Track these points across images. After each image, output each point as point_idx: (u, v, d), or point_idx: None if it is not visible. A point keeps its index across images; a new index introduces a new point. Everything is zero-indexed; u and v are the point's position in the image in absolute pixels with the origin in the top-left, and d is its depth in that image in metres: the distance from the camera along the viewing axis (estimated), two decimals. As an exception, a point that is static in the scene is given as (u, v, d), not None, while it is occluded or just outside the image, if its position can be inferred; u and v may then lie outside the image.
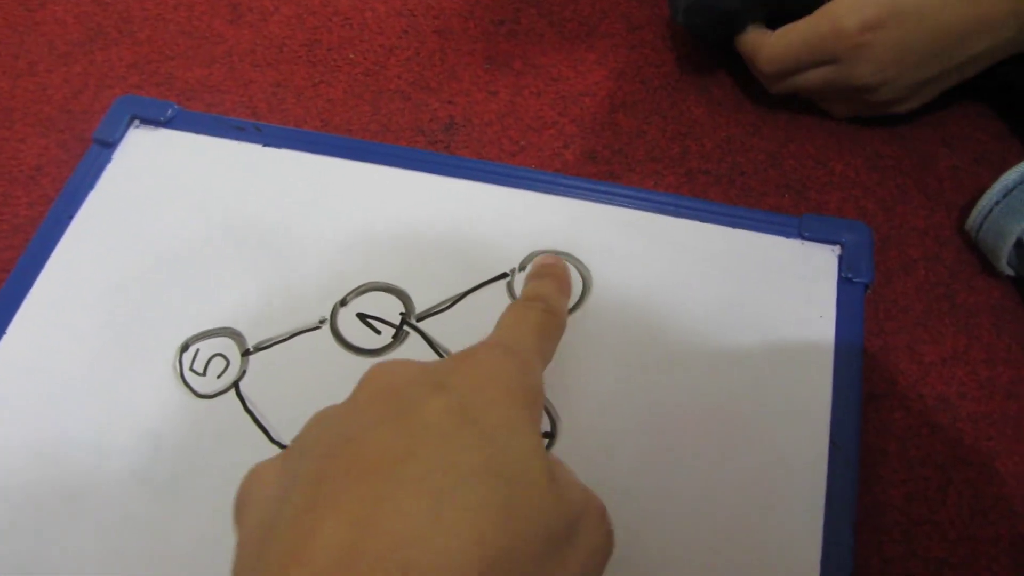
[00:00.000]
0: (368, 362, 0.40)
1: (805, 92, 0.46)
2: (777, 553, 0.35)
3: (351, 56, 0.52)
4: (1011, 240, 0.40)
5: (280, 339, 0.41)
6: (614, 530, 0.28)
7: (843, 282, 0.41)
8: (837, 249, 0.42)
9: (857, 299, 0.40)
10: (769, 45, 0.45)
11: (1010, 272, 0.42)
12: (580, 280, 0.42)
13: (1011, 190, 0.40)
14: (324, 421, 0.27)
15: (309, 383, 0.40)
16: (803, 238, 0.42)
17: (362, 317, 0.41)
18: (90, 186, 0.46)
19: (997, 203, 0.41)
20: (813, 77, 0.45)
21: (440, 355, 0.40)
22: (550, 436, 0.38)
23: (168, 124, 0.48)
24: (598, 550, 0.27)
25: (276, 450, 0.38)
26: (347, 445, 0.24)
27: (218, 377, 0.40)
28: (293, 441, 0.27)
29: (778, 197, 0.45)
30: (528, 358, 0.29)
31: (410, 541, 0.21)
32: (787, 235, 0.43)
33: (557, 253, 0.42)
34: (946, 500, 0.37)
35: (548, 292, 0.35)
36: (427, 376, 0.27)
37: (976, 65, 0.43)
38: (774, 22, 0.46)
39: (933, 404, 0.39)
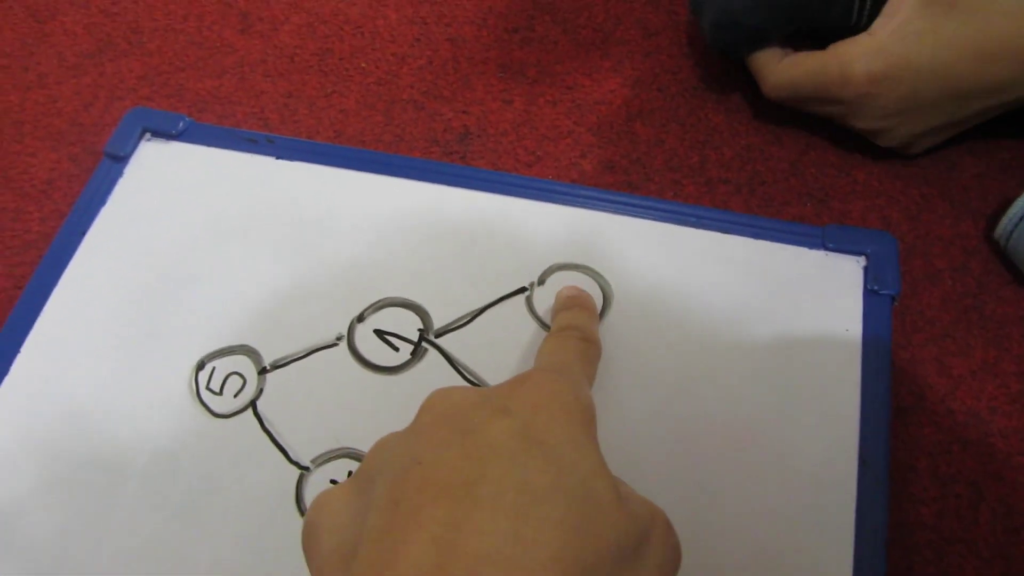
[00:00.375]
0: (386, 379, 0.39)
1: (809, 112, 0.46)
2: (808, 572, 0.35)
3: (363, 65, 0.51)
4: None
5: (297, 356, 0.40)
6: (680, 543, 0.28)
7: (869, 294, 0.40)
8: (862, 260, 0.41)
9: (884, 312, 0.40)
10: (775, 73, 0.44)
11: None
12: (601, 293, 0.41)
13: None
14: (389, 446, 0.28)
15: (327, 401, 0.39)
16: (827, 249, 0.42)
17: (379, 333, 0.41)
18: (102, 201, 0.45)
19: None
20: (816, 108, 0.45)
21: (459, 372, 0.39)
22: (573, 455, 0.37)
23: (180, 137, 0.47)
24: (667, 562, 0.27)
25: (294, 471, 0.38)
26: (417, 467, 0.25)
27: (235, 396, 0.39)
28: (359, 468, 0.28)
29: (800, 206, 0.44)
30: (577, 379, 0.31)
31: (493, 559, 0.22)
32: (811, 246, 0.42)
33: (576, 266, 0.42)
34: (978, 518, 0.36)
35: (580, 321, 0.36)
36: (487, 400, 0.27)
37: (986, 116, 0.42)
38: (801, 41, 0.45)
39: (963, 419, 0.38)
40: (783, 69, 0.44)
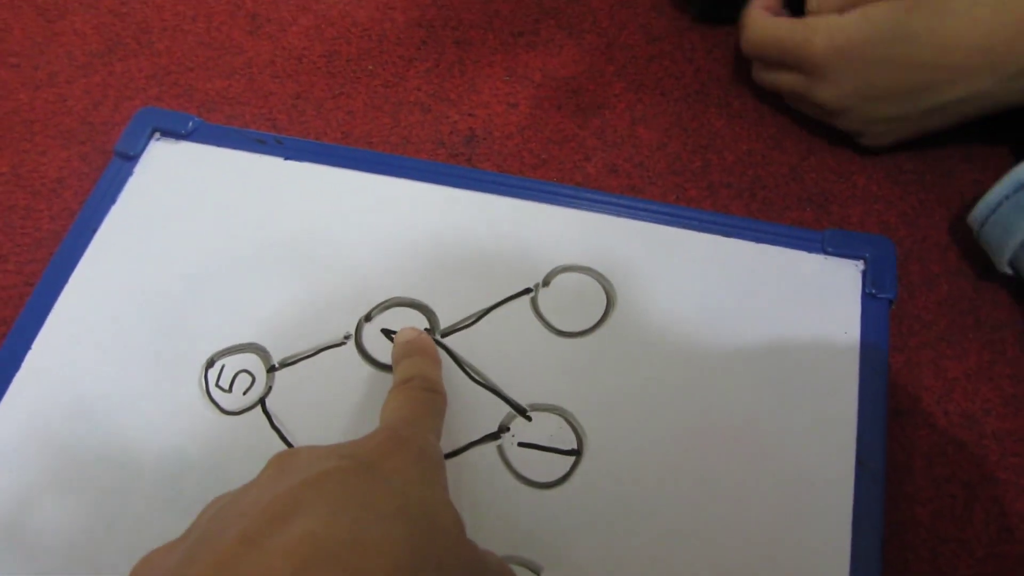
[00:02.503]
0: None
1: (779, 92, 0.47)
2: (806, 571, 0.35)
3: (370, 67, 0.52)
4: (1019, 238, 0.39)
5: (306, 355, 0.41)
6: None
7: (867, 298, 0.41)
8: (861, 264, 0.42)
9: (882, 315, 0.40)
10: (751, 27, 0.45)
11: (1010, 272, 0.41)
12: (604, 295, 0.42)
13: (1023, 186, 0.39)
14: (217, 503, 0.27)
15: (335, 399, 0.40)
16: (826, 253, 0.42)
17: (387, 333, 0.41)
18: (112, 199, 0.46)
19: (1008, 197, 0.40)
20: (783, 79, 0.45)
21: (465, 371, 0.40)
22: (577, 453, 0.38)
23: (189, 137, 0.48)
24: None
25: (303, 467, 0.38)
26: (233, 505, 0.25)
27: (244, 393, 0.40)
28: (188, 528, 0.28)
29: (800, 211, 0.45)
30: (423, 434, 0.31)
31: (320, 561, 0.21)
32: (810, 250, 0.43)
33: (579, 268, 0.42)
34: (972, 518, 0.37)
35: (423, 370, 0.36)
36: (332, 451, 0.27)
37: (955, 113, 0.42)
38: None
39: (958, 421, 0.39)
40: (758, 25, 0.45)
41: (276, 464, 0.28)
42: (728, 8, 0.49)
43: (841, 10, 0.42)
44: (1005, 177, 0.40)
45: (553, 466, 0.38)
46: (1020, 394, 0.40)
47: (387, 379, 0.40)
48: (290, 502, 0.23)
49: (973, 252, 0.44)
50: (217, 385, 0.40)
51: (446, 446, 0.38)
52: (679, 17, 0.52)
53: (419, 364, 0.37)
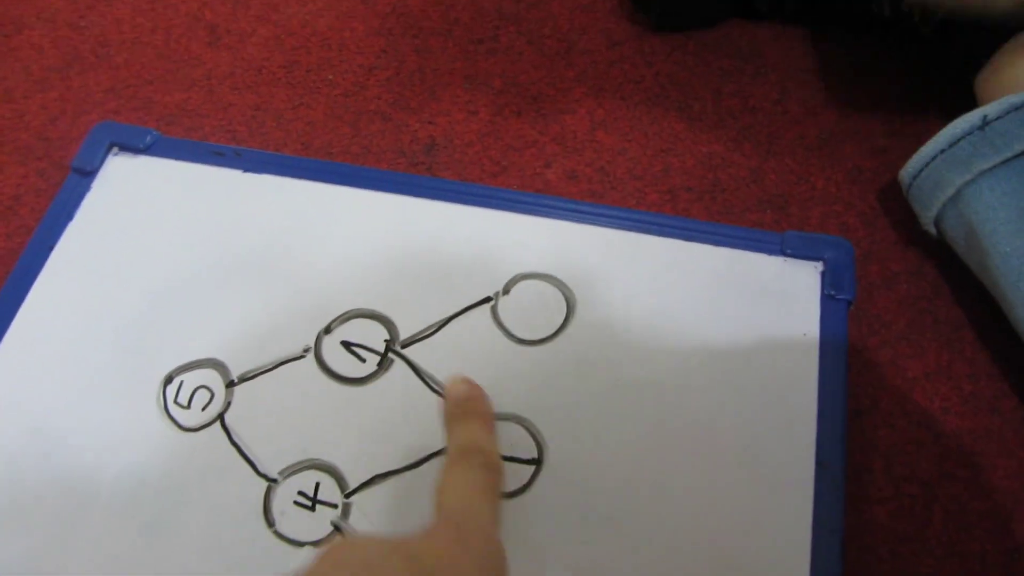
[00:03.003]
0: (353, 390, 0.40)
1: None
2: (766, 573, 0.35)
3: (330, 77, 0.51)
4: (949, 192, 0.39)
5: (264, 369, 0.41)
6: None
7: (826, 299, 0.41)
8: (820, 266, 0.42)
9: (840, 316, 0.40)
10: None
11: (933, 232, 0.41)
12: (564, 302, 0.42)
13: (958, 140, 0.38)
14: None
15: (295, 413, 0.40)
16: (785, 255, 0.42)
17: (346, 345, 0.41)
18: (69, 216, 0.45)
19: (942, 151, 0.39)
20: None
21: (425, 382, 0.40)
22: (537, 462, 0.38)
23: (147, 151, 0.47)
24: None
25: (263, 483, 0.38)
26: None
27: (203, 409, 0.40)
28: None
29: (760, 213, 0.45)
30: (487, 529, 0.30)
31: None
32: (770, 252, 0.43)
33: (540, 275, 0.42)
34: (932, 517, 0.37)
35: (480, 439, 0.34)
36: (396, 551, 0.26)
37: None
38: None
39: (917, 420, 0.39)
40: None
41: (330, 561, 0.26)
42: (685, 17, 0.49)
43: None
44: (941, 132, 0.39)
45: (514, 476, 0.38)
46: (979, 393, 0.40)
47: (347, 392, 0.40)
48: None
49: (932, 252, 0.44)
50: (176, 402, 0.40)
51: (405, 458, 0.38)
52: (639, 21, 0.53)
53: (476, 433, 0.34)
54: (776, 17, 0.51)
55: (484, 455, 0.33)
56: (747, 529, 0.36)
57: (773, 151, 0.47)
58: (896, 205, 0.45)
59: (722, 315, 0.41)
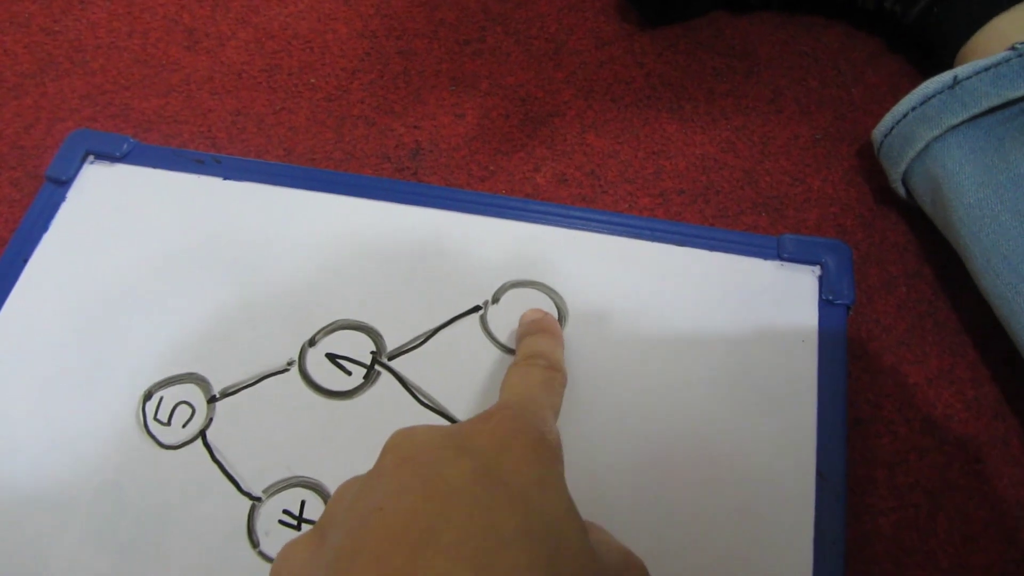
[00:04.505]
0: (339, 404, 0.39)
1: None
2: (767, 590, 0.34)
3: (313, 81, 0.50)
4: (918, 146, 0.40)
5: (247, 383, 0.39)
6: None
7: (824, 304, 0.40)
8: (817, 270, 0.41)
9: (839, 322, 0.39)
10: None
11: (902, 191, 0.42)
12: (555, 311, 0.40)
13: (929, 98, 0.40)
14: (350, 492, 0.27)
15: (279, 429, 0.38)
16: (782, 259, 0.41)
17: (331, 357, 0.40)
18: (44, 227, 0.44)
19: (914, 109, 0.40)
20: None
21: (413, 395, 0.39)
22: (530, 477, 0.37)
23: (124, 159, 0.46)
24: None
25: (246, 502, 0.37)
26: (377, 515, 0.24)
27: (184, 426, 0.39)
28: (322, 515, 0.27)
29: (755, 216, 0.44)
30: (543, 414, 0.30)
31: None
32: (765, 257, 0.42)
33: (530, 283, 0.41)
34: (936, 528, 0.36)
35: (545, 347, 0.36)
36: (450, 440, 0.27)
37: None
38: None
39: (920, 427, 0.38)
40: None
41: (395, 452, 0.27)
42: (678, 9, 0.48)
43: None
44: (912, 91, 0.40)
45: (506, 491, 0.37)
46: (982, 398, 0.39)
47: (333, 406, 0.39)
48: (424, 529, 0.23)
49: (932, 254, 0.43)
50: (155, 418, 0.39)
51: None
52: (628, 20, 0.51)
53: (542, 342, 0.36)
54: (764, 7, 0.50)
55: (547, 359, 0.35)
56: (747, 542, 0.35)
57: (767, 152, 0.46)
58: (894, 207, 0.44)
59: (718, 322, 0.40)
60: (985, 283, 0.37)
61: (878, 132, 0.42)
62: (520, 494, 0.25)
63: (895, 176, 0.42)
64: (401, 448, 0.27)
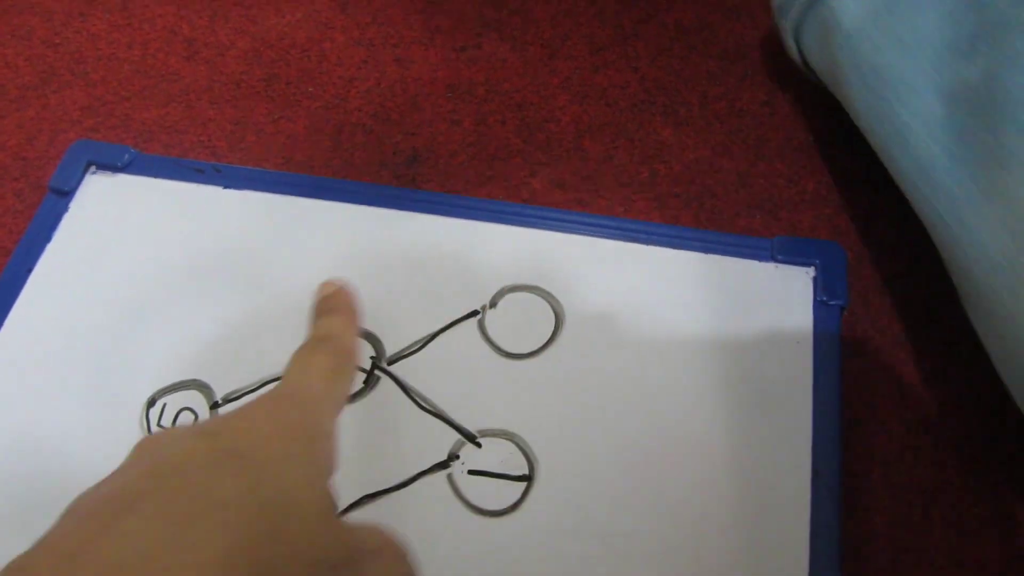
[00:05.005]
0: (339, 410, 0.39)
1: None
2: (763, 588, 0.35)
3: (310, 90, 0.51)
4: None
5: (249, 389, 0.40)
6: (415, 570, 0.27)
7: (819, 305, 0.40)
8: (812, 271, 0.41)
9: (834, 323, 0.40)
10: None
11: (796, 55, 0.43)
12: (553, 314, 0.41)
13: None
14: (82, 494, 0.26)
15: (280, 434, 0.39)
16: (776, 261, 0.42)
17: (331, 363, 0.40)
18: (47, 237, 0.44)
19: None
20: None
21: (412, 399, 0.39)
22: (528, 479, 0.37)
23: (125, 169, 0.46)
24: None
25: (248, 507, 0.37)
26: (86, 496, 0.23)
27: (185, 433, 0.39)
28: None
29: (749, 218, 0.45)
30: (316, 405, 0.29)
31: (131, 566, 0.20)
32: (760, 258, 0.42)
33: (527, 287, 0.42)
34: (932, 526, 0.37)
35: (336, 330, 0.33)
36: (194, 427, 0.26)
37: None
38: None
39: (915, 426, 0.39)
40: None
41: (138, 448, 0.26)
42: None
43: None
44: None
45: (505, 493, 0.37)
46: (977, 397, 0.39)
47: (333, 411, 0.39)
48: (127, 497, 0.22)
49: (926, 254, 0.43)
50: (159, 424, 0.39)
51: (394, 477, 0.37)
52: (622, 26, 0.52)
53: (335, 323, 0.34)
54: None
55: (336, 342, 0.32)
56: (743, 540, 0.36)
57: (762, 154, 0.47)
58: (888, 207, 0.44)
59: (713, 324, 0.40)
60: (863, 110, 0.39)
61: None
62: (256, 464, 0.24)
63: (787, 42, 0.44)
64: (142, 444, 0.26)
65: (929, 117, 0.36)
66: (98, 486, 0.25)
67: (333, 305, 0.35)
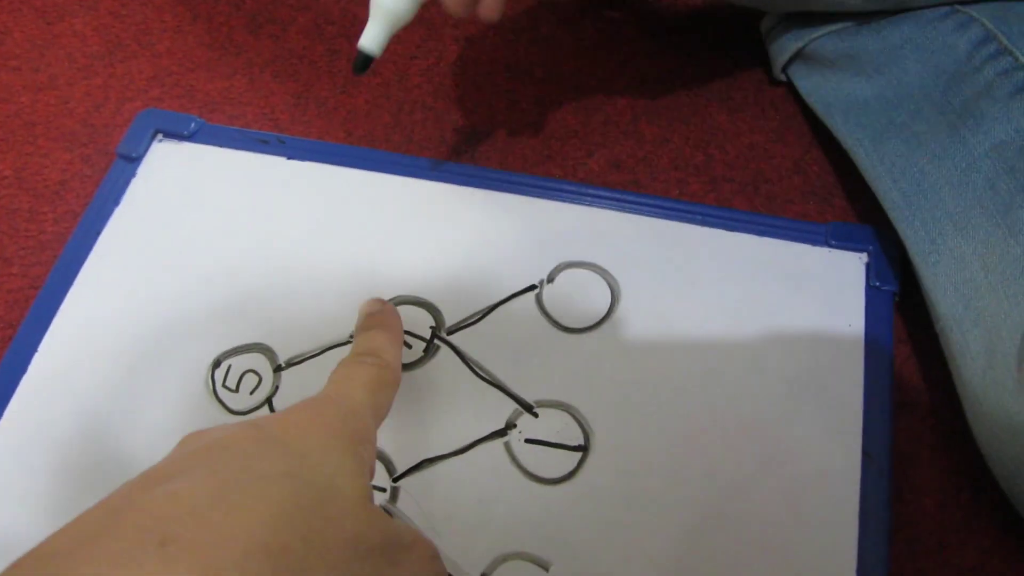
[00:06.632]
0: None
1: None
2: (813, 564, 0.36)
3: (372, 66, 0.51)
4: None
5: (312, 354, 0.41)
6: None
7: (871, 290, 0.41)
8: (864, 256, 0.42)
9: (886, 307, 0.40)
10: None
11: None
12: (609, 291, 0.42)
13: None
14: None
15: (341, 398, 0.40)
16: (830, 246, 0.42)
17: (392, 331, 0.41)
18: (116, 202, 0.46)
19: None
20: None
21: (471, 368, 0.40)
22: (584, 449, 0.38)
23: (191, 138, 0.48)
24: None
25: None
26: (141, 475, 0.24)
27: (251, 393, 0.40)
28: None
29: (803, 204, 0.45)
30: (355, 408, 0.30)
31: (176, 518, 0.21)
32: (814, 243, 0.43)
33: (584, 264, 0.42)
34: (979, 508, 0.37)
35: (379, 345, 0.34)
36: (243, 422, 0.27)
37: None
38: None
39: (964, 412, 0.39)
40: None
41: (184, 439, 0.27)
42: None
43: None
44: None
45: (560, 462, 0.38)
46: (1025, 384, 0.40)
47: (393, 377, 0.40)
48: (171, 470, 0.23)
49: (977, 243, 0.43)
50: (224, 385, 0.41)
51: (452, 443, 0.38)
52: (678, 11, 0.52)
53: (377, 338, 0.35)
54: None
55: (378, 356, 0.33)
56: (793, 518, 0.36)
57: (816, 142, 0.47)
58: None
59: (766, 305, 0.41)
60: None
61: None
62: (298, 452, 0.25)
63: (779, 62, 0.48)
64: (188, 437, 0.27)
65: None
66: (146, 473, 0.25)
67: (377, 322, 0.36)
